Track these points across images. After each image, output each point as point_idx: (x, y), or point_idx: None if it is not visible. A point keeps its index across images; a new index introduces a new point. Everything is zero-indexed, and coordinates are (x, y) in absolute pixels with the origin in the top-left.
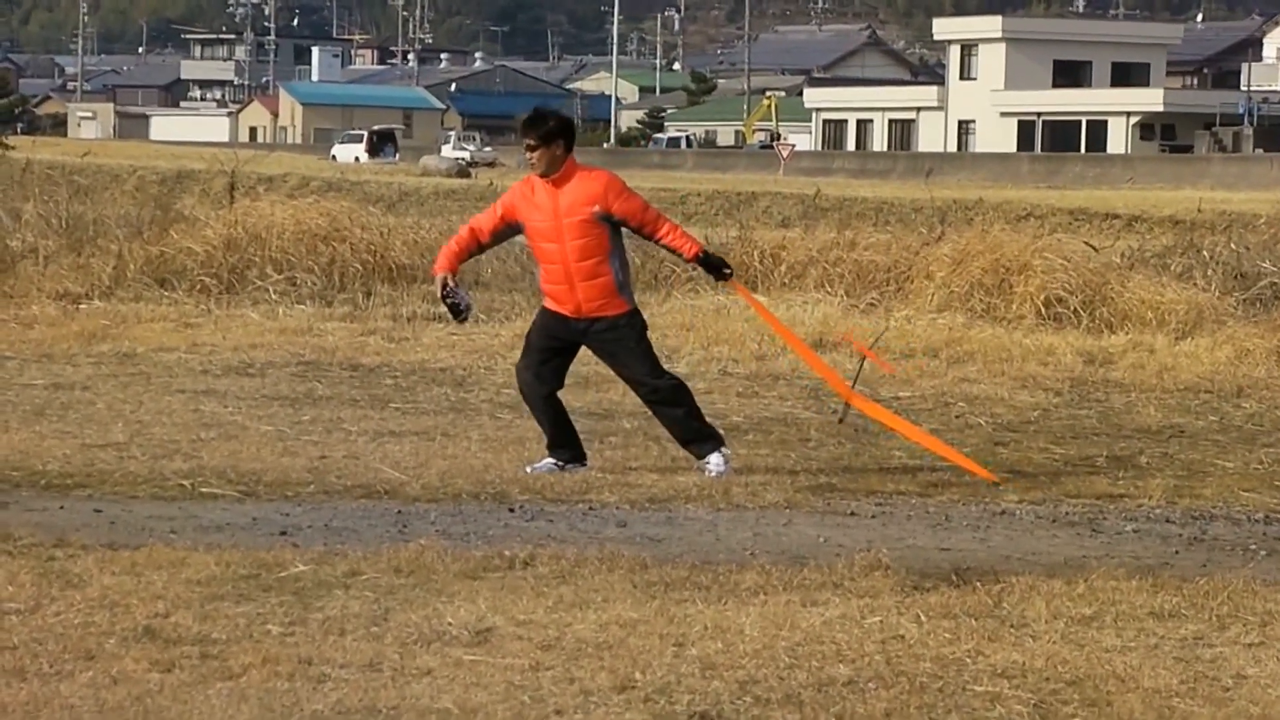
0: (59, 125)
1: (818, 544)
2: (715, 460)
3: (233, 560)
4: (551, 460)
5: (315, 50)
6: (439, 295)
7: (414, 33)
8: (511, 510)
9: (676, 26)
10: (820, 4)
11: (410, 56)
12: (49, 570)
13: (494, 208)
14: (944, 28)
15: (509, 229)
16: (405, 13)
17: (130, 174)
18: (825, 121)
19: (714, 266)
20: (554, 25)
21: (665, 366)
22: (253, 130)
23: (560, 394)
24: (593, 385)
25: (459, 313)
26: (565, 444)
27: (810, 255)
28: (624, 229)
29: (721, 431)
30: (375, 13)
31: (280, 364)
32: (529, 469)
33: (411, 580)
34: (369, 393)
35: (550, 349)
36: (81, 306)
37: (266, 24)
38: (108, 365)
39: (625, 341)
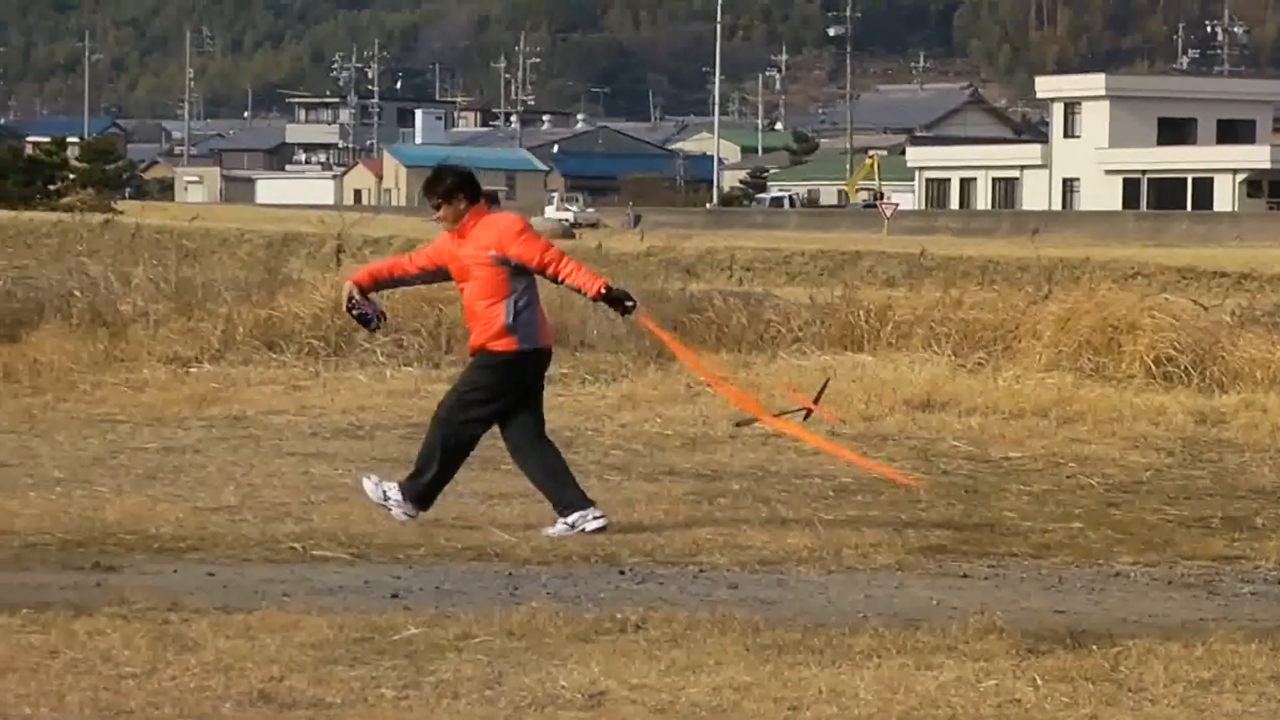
0: (166, 190)
1: (931, 606)
2: (396, 508)
3: (346, 623)
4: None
5: (419, 113)
6: (344, 306)
7: (516, 95)
8: (622, 573)
9: (778, 86)
10: (922, 63)
11: (513, 118)
12: (164, 634)
13: (427, 250)
14: (1047, 86)
15: (437, 272)
16: (507, 75)
17: (238, 238)
18: (928, 180)
19: (617, 301)
20: (655, 86)
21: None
22: (357, 193)
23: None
24: (700, 447)
25: (367, 322)
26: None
27: (916, 314)
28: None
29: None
30: (478, 75)
31: (388, 426)
32: None
33: (524, 643)
34: (477, 454)
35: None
36: (191, 370)
37: (370, 87)
38: (218, 428)
39: (474, 366)
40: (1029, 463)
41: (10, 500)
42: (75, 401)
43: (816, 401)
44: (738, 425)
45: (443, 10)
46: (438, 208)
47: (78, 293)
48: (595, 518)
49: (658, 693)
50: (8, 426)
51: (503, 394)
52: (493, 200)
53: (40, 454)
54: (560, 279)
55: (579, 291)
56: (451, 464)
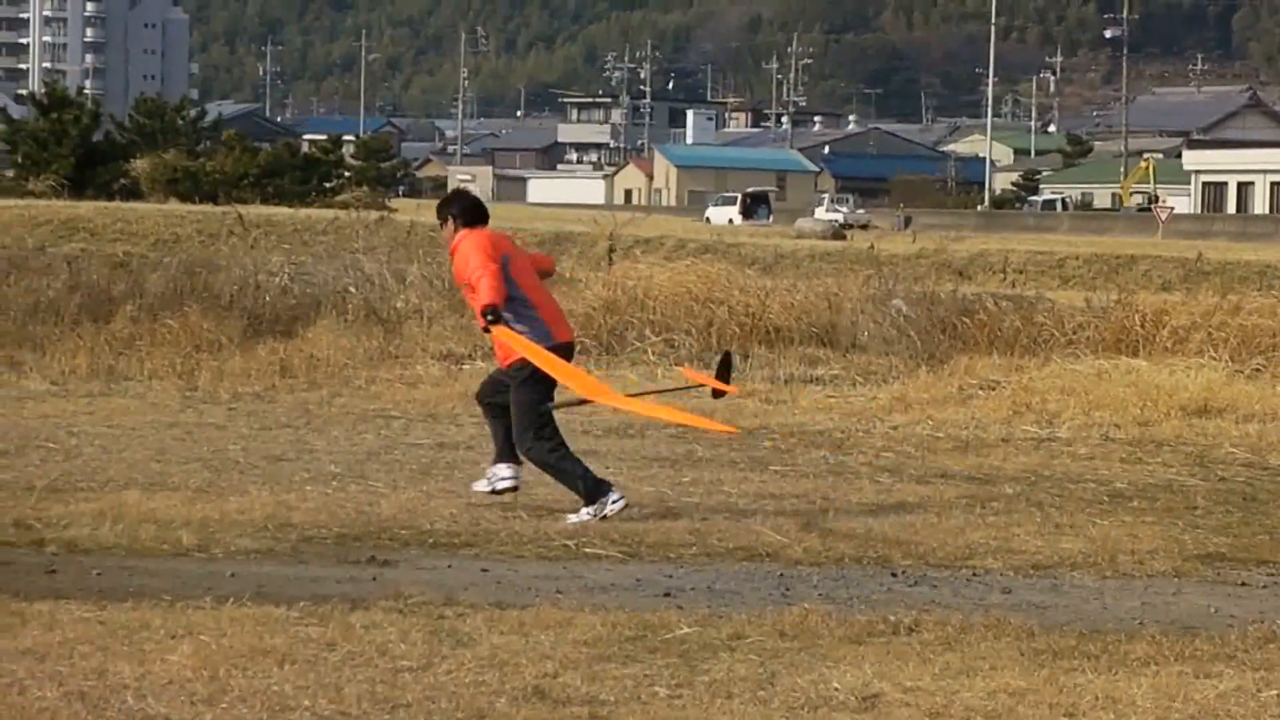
0: (439, 188)
1: (1208, 614)
2: (589, 516)
3: (618, 621)
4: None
5: (690, 113)
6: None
7: (788, 95)
8: (894, 575)
9: (1052, 88)
10: (1199, 65)
11: (784, 119)
12: (439, 628)
13: None
14: None
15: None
16: (779, 76)
17: (512, 236)
18: (1205, 184)
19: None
20: (928, 87)
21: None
22: (627, 193)
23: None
24: (972, 449)
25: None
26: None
27: (1193, 319)
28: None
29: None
30: (749, 76)
31: (659, 425)
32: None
33: (796, 644)
34: (748, 455)
35: (498, 382)
36: (464, 367)
37: (642, 88)
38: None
39: (512, 387)
40: None
41: (287, 494)
42: (350, 397)
43: (721, 379)
44: (552, 407)
45: (715, 11)
46: (441, 227)
47: (353, 289)
48: (506, 482)
49: (931, 696)
50: (285, 421)
51: (544, 394)
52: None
53: (316, 448)
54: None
55: None
56: (566, 458)
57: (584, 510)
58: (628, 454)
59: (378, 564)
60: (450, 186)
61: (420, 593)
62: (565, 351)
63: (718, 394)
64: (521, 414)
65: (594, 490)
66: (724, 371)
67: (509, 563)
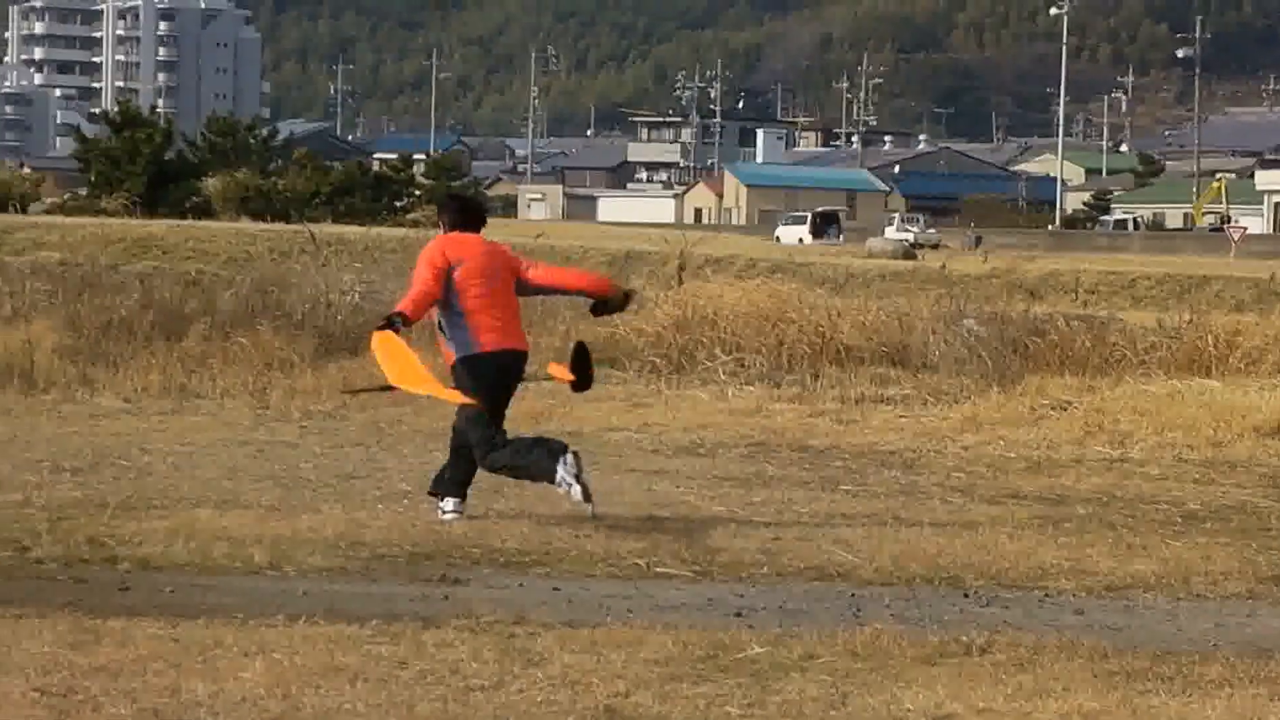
0: (509, 206)
1: None
2: (449, 505)
3: (689, 640)
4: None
5: (760, 132)
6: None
7: (858, 114)
8: (966, 595)
9: (1124, 108)
10: (1273, 85)
11: (854, 138)
12: (510, 647)
13: None
14: None
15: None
16: (849, 95)
17: (580, 255)
18: (1277, 204)
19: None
20: (998, 107)
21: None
22: (697, 211)
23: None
24: (1044, 470)
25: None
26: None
27: (1267, 340)
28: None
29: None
30: (820, 95)
31: (730, 444)
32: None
33: (868, 665)
34: (819, 474)
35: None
36: (531, 385)
37: (712, 106)
38: None
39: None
40: None
41: (359, 512)
42: (420, 415)
43: (574, 370)
44: (350, 393)
45: (785, 30)
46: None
47: None
48: (451, 509)
49: (1004, 717)
50: (356, 439)
51: (479, 405)
52: (834, 220)
53: (388, 467)
54: None
55: None
56: (521, 451)
57: (567, 488)
58: (698, 473)
59: (449, 582)
60: (520, 205)
61: (491, 611)
62: (487, 362)
63: (578, 387)
64: (470, 430)
65: (552, 466)
66: (579, 363)
67: (580, 581)
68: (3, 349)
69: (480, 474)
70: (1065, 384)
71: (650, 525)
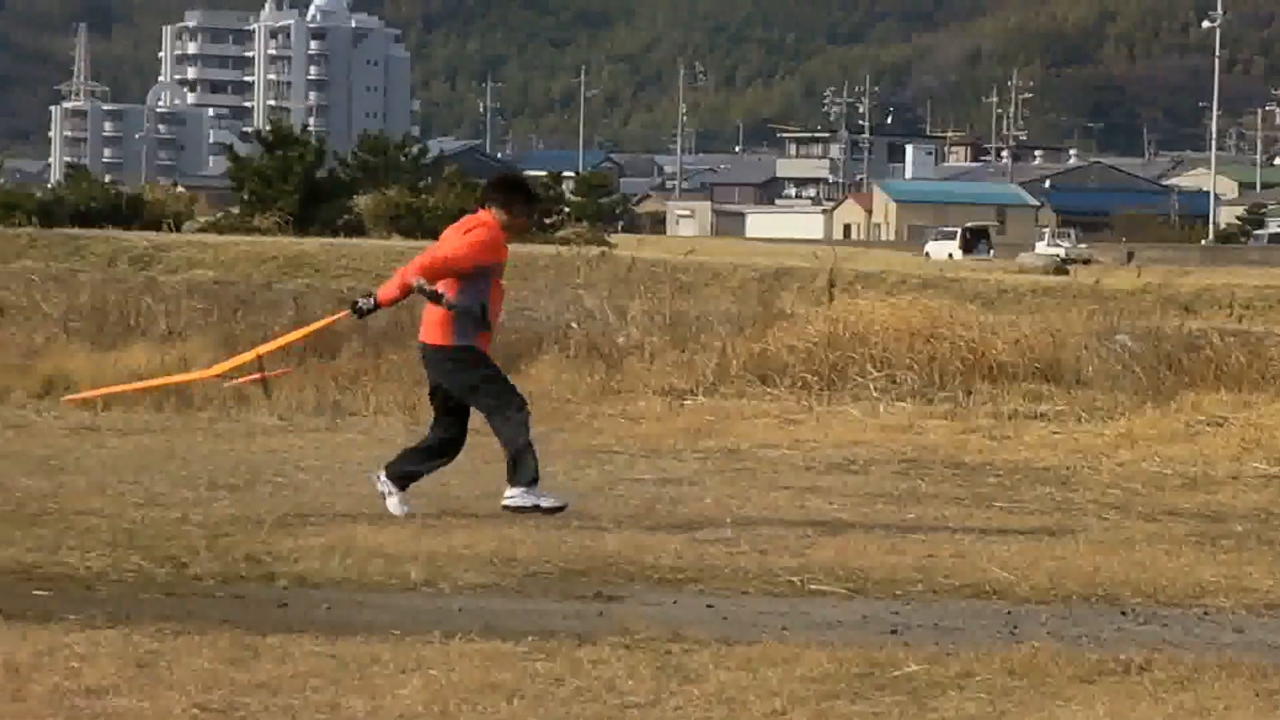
0: (658, 223)
1: None
2: (393, 501)
3: (845, 658)
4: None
5: (909, 148)
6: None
7: (1008, 129)
8: (1124, 613)
9: (1278, 121)
10: None
11: (1004, 153)
12: (666, 664)
13: None
14: None
15: None
16: (999, 110)
17: (730, 271)
18: None
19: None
20: (1149, 121)
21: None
22: (846, 227)
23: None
24: (1200, 487)
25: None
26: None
27: None
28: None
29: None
30: (969, 110)
31: (882, 461)
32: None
33: (1025, 683)
34: (972, 491)
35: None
36: (686, 402)
37: (861, 122)
38: (713, 461)
39: (444, 371)
40: None
41: (511, 529)
42: (572, 432)
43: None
44: (227, 381)
45: (934, 45)
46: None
47: (575, 324)
48: (398, 504)
49: None
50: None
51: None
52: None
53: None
54: None
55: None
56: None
57: (519, 492)
58: (851, 490)
59: (603, 599)
60: (669, 222)
61: (646, 628)
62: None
63: (263, 383)
64: (491, 394)
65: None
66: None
67: (734, 598)
68: (159, 367)
69: (632, 490)
70: (1221, 400)
71: (804, 542)
